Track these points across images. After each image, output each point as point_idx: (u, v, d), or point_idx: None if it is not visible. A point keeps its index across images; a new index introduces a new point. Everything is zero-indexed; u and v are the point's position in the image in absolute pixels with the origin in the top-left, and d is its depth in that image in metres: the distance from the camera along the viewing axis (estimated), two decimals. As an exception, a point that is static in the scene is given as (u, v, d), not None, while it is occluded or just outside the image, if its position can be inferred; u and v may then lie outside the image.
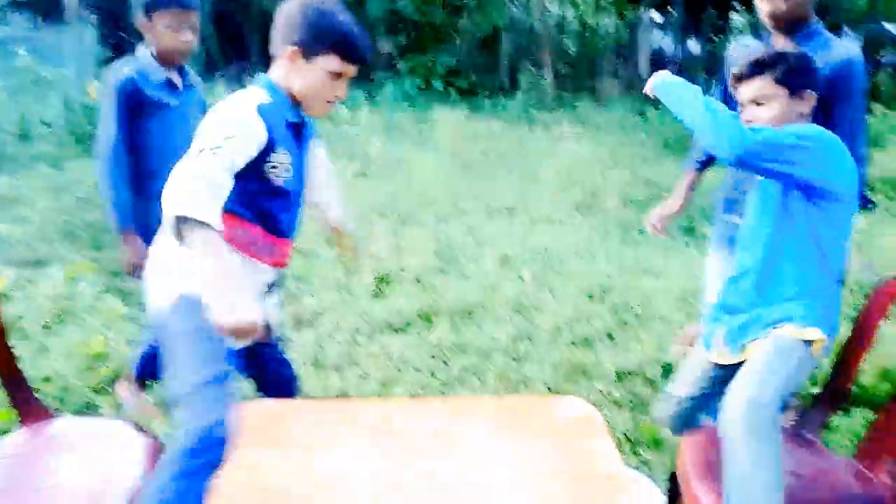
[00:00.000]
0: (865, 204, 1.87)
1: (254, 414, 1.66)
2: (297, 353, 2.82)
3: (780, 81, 1.66)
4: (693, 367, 1.82)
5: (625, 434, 2.27)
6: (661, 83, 1.73)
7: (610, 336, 2.96)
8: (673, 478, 1.71)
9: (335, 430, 1.62)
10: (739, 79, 1.70)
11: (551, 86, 9.65)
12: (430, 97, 9.76)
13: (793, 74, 1.66)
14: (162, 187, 1.27)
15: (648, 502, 1.41)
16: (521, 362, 2.78)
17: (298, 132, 1.55)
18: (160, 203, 1.27)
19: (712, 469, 1.52)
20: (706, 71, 10.15)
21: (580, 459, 1.52)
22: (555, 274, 3.60)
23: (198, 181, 1.26)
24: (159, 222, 1.36)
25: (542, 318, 3.08)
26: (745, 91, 1.70)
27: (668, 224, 2.28)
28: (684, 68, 10.67)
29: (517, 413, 1.73)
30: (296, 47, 1.46)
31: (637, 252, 3.91)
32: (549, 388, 2.61)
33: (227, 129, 1.34)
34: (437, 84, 10.39)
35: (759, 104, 1.68)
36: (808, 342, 1.56)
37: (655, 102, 2.19)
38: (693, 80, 1.73)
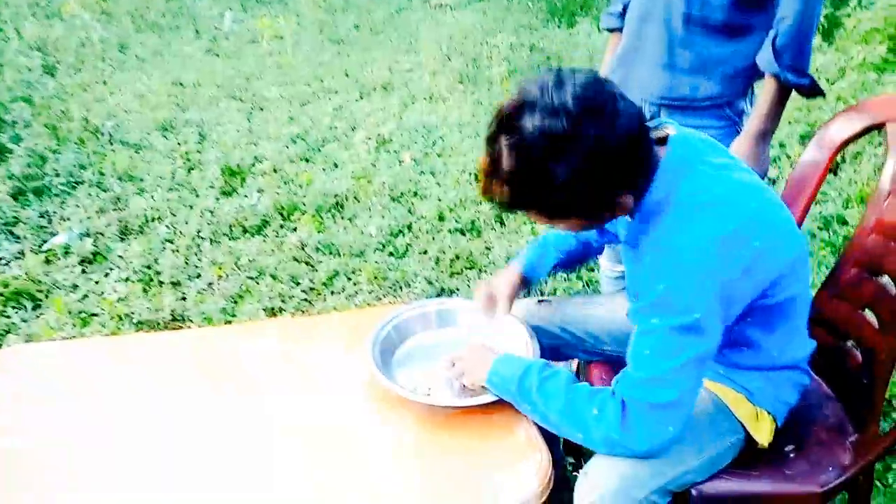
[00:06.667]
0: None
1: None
2: (123, 268, 2.28)
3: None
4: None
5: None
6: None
7: (499, 220, 2.61)
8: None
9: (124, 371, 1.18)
10: None
11: (428, -49, 8.76)
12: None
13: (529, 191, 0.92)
14: None
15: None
16: (401, 258, 2.40)
17: None
18: None
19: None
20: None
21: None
22: (437, 155, 3.18)
23: None
24: None
25: (424, 206, 2.68)
26: None
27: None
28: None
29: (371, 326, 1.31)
30: None
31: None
32: (430, 284, 2.25)
33: None
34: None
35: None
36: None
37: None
38: None
